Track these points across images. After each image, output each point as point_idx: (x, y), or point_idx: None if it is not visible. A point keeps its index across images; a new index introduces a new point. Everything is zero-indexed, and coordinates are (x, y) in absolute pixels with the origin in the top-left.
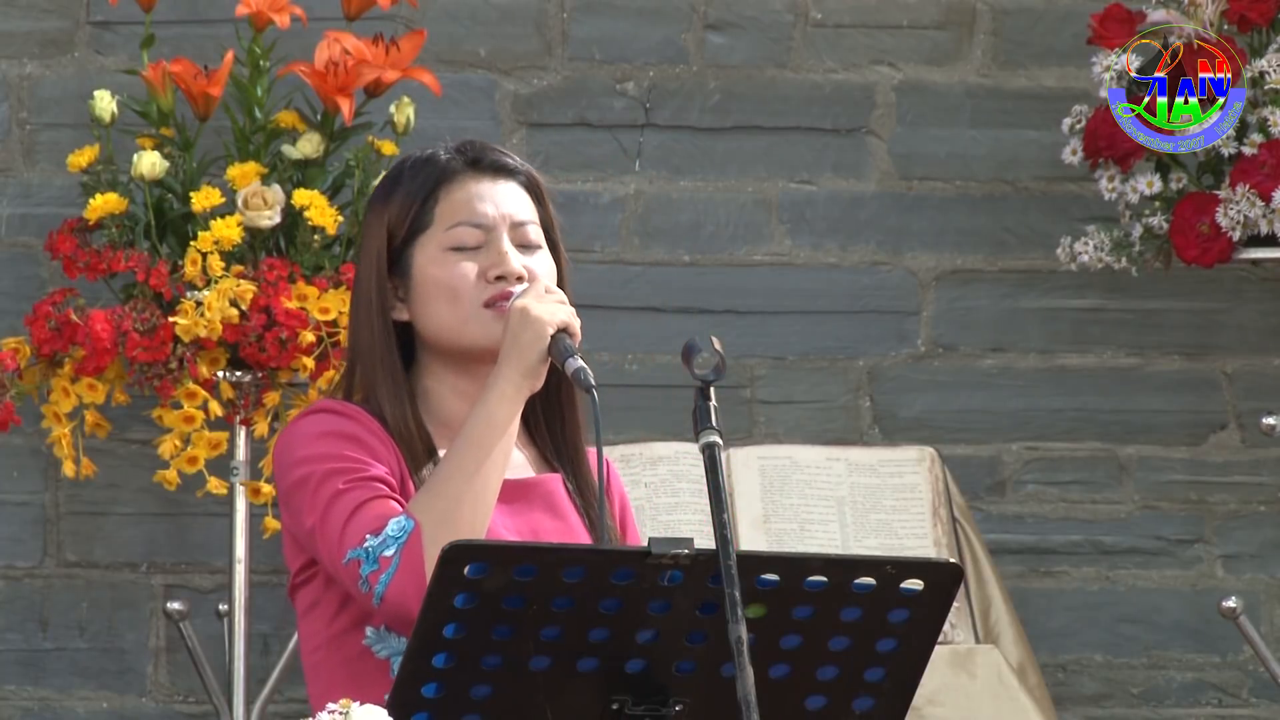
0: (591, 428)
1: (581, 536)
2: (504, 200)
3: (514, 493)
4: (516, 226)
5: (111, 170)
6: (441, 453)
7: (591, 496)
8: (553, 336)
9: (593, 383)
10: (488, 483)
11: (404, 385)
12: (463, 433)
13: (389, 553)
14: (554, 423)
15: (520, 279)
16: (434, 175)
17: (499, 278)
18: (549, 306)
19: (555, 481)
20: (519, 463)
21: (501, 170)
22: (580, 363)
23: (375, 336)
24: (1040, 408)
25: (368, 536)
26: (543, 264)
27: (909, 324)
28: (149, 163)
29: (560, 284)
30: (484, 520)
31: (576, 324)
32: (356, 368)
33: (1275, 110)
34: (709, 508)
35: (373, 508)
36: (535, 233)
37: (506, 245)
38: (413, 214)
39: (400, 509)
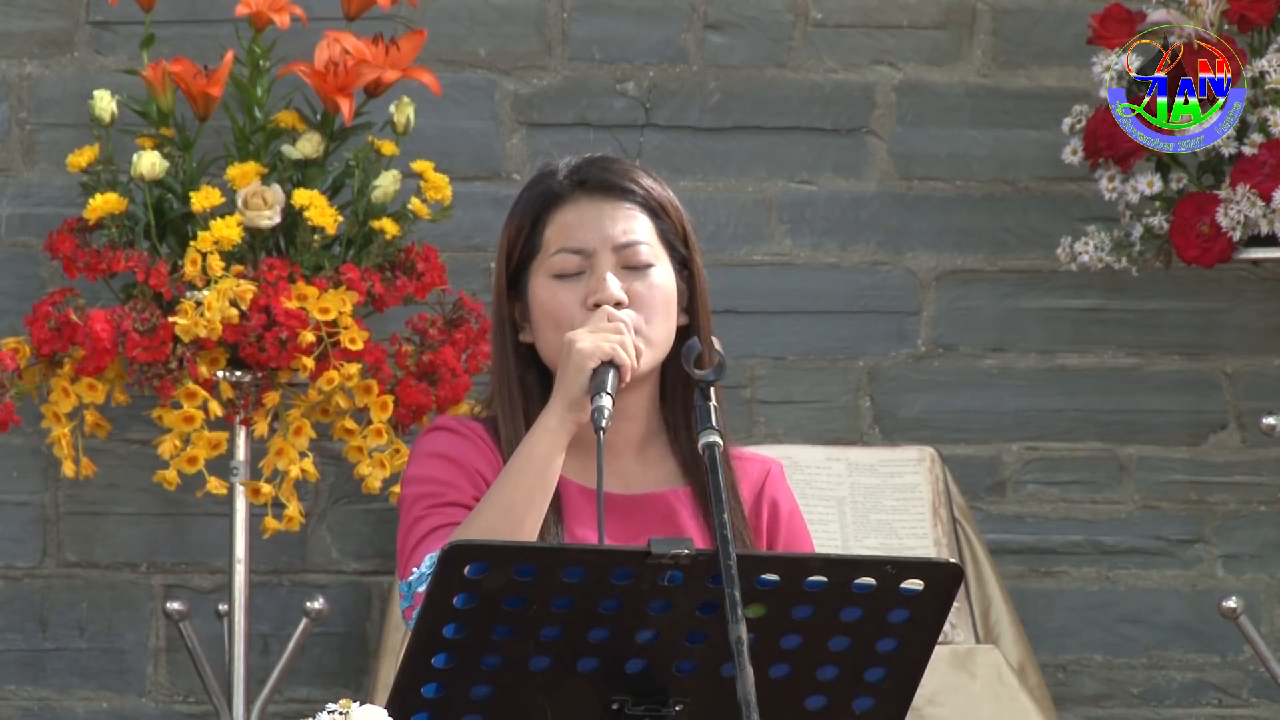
0: (597, 466)
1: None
2: (609, 222)
3: (624, 509)
4: (622, 249)
5: (111, 170)
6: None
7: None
8: (595, 370)
9: (602, 424)
10: (523, 518)
11: (521, 405)
12: (506, 466)
13: (422, 589)
14: (684, 429)
15: (620, 304)
16: (541, 197)
17: (597, 305)
18: (596, 338)
19: (677, 496)
20: (638, 479)
21: (611, 190)
22: (603, 402)
23: (497, 356)
24: (1040, 408)
25: (413, 570)
26: (653, 284)
27: (909, 324)
28: (149, 163)
29: (693, 298)
30: None
31: (625, 356)
32: (493, 383)
33: (1275, 110)
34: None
35: (436, 538)
36: (647, 252)
37: (606, 270)
38: (524, 237)
39: None
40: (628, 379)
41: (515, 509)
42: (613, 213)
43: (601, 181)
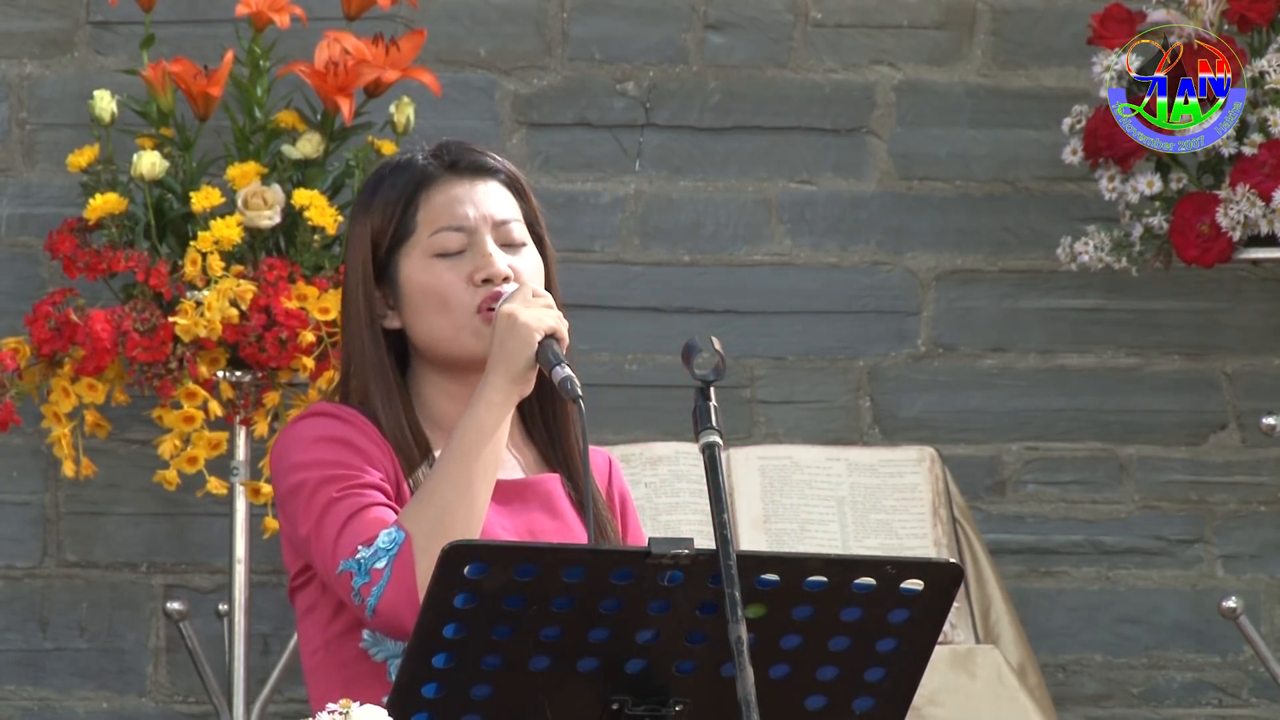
0: (580, 436)
1: (579, 536)
2: (485, 201)
3: (511, 493)
4: (499, 226)
5: (111, 170)
6: (438, 454)
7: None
8: (540, 343)
9: (579, 392)
10: (478, 491)
11: (396, 391)
12: (452, 441)
13: (380, 565)
14: (550, 422)
15: (507, 279)
16: (413, 181)
17: (486, 280)
18: (536, 312)
19: (553, 481)
20: (516, 463)
21: (480, 170)
22: (567, 371)
23: (366, 345)
24: (1040, 408)
25: (359, 548)
26: (528, 262)
27: (909, 324)
28: (149, 163)
29: (547, 279)
30: (476, 528)
31: (564, 328)
32: (351, 374)
33: (1275, 110)
34: (709, 508)
35: (365, 517)
36: (519, 230)
37: (491, 247)
38: (395, 222)
39: (393, 518)
40: (564, 352)
41: (472, 483)
42: (486, 190)
43: (472, 162)
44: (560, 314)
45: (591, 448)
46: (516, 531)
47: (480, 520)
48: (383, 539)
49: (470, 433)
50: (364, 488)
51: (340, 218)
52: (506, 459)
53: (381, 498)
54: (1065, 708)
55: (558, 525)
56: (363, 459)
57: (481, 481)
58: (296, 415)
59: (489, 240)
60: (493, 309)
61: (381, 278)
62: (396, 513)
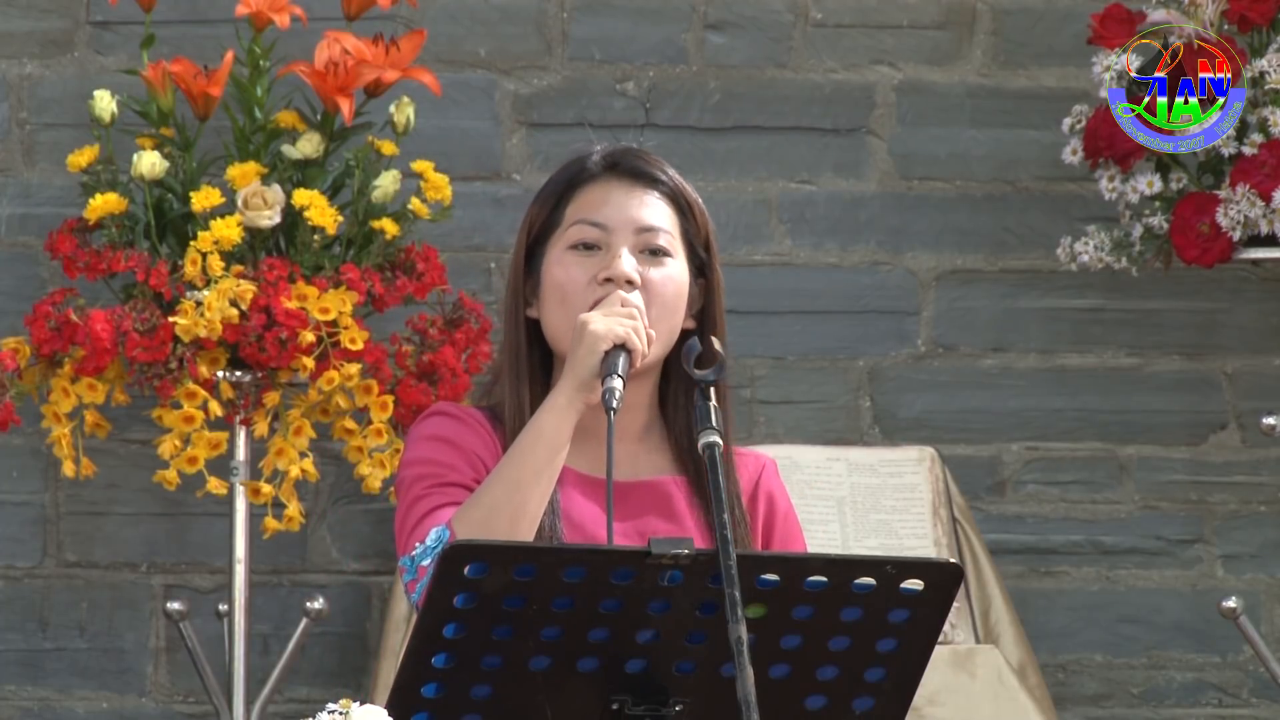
0: (607, 448)
1: (699, 541)
2: (634, 205)
3: (622, 494)
4: (643, 231)
5: (111, 170)
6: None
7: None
8: (606, 353)
9: (613, 405)
10: (528, 493)
11: (527, 378)
12: (514, 443)
13: (426, 562)
14: (683, 423)
15: (630, 282)
16: (571, 174)
17: (608, 280)
18: (610, 321)
19: (674, 484)
20: (633, 464)
21: (641, 177)
22: (614, 384)
23: (507, 330)
24: (1040, 408)
25: (417, 544)
26: (666, 273)
27: (909, 324)
28: (149, 163)
29: (710, 306)
30: (524, 529)
31: (637, 341)
32: (501, 364)
33: (1275, 110)
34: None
35: (438, 516)
36: (666, 241)
37: (623, 249)
38: (547, 211)
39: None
40: (638, 364)
41: (522, 485)
42: (640, 197)
43: (633, 168)
44: (640, 326)
45: (752, 451)
46: (625, 534)
47: (531, 522)
48: (431, 537)
49: (529, 435)
50: (449, 486)
51: (340, 218)
52: (621, 460)
53: (464, 495)
54: (1065, 708)
55: (673, 529)
56: (463, 459)
57: (533, 484)
58: (422, 414)
59: (623, 243)
60: None
61: (530, 267)
62: None
